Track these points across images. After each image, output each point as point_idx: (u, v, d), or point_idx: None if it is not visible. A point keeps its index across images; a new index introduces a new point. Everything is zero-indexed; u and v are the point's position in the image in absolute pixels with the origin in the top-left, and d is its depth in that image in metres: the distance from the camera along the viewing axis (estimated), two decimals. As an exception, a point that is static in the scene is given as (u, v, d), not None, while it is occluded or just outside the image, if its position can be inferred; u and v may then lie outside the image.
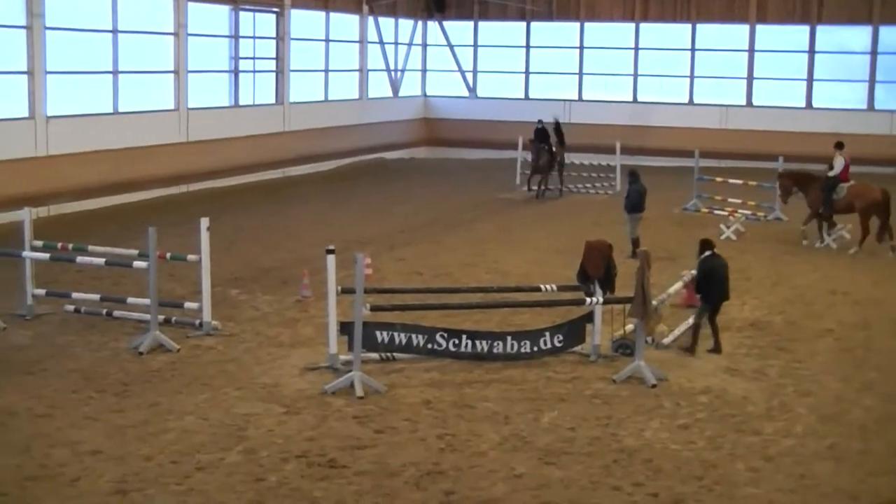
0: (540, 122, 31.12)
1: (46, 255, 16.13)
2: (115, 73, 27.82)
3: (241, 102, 33.15)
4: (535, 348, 14.37)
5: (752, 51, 39.84)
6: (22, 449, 11.02)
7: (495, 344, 14.23)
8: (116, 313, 15.96)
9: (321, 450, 11.18)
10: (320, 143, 36.11)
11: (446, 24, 43.43)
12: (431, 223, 25.99)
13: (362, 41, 39.35)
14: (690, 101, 40.64)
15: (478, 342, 14.17)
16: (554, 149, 30.38)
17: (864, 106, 38.70)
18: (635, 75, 41.24)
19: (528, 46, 42.73)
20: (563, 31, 42.06)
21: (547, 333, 14.48)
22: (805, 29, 39.13)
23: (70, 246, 16.24)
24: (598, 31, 41.70)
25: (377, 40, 40.30)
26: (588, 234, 17.03)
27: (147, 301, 14.96)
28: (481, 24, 43.34)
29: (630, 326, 14.70)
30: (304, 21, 35.80)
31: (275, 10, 34.32)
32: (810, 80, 39.28)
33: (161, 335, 14.70)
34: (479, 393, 13.17)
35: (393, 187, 32.80)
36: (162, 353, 14.48)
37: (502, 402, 12.85)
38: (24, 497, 9.94)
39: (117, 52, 27.75)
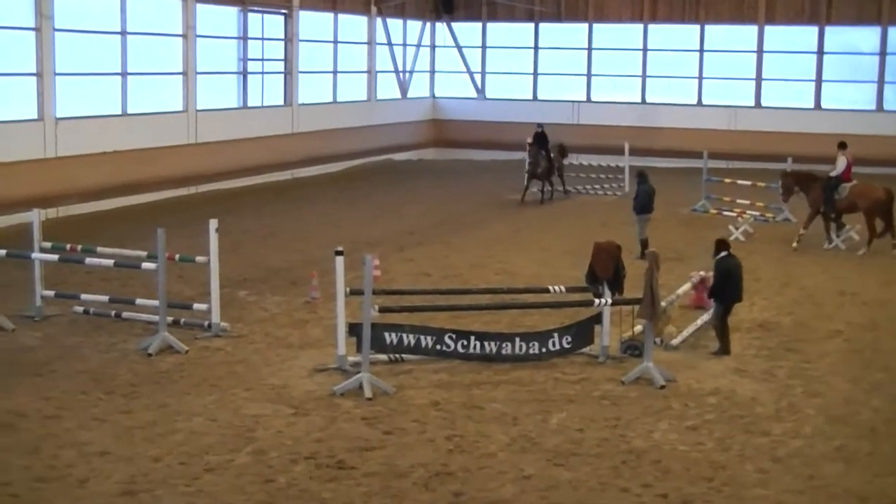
0: (539, 125, 30.97)
1: (55, 257, 16.16)
2: (124, 74, 27.87)
3: (250, 104, 33.18)
4: (544, 349, 14.37)
5: (760, 52, 39.76)
6: (31, 450, 11.05)
7: (504, 345, 14.23)
8: (125, 314, 16.01)
9: (330, 451, 11.19)
10: (329, 144, 36.13)
11: (455, 25, 43.43)
12: (440, 224, 25.99)
13: (371, 42, 39.37)
14: (699, 103, 40.58)
15: (486, 343, 14.17)
16: (552, 154, 30.18)
17: (873, 107, 38.59)
18: (644, 76, 41.18)
19: (536, 47, 42.69)
20: (571, 32, 42.03)
21: (555, 335, 14.48)
22: (814, 30, 39.04)
23: (79, 247, 16.27)
24: (606, 32, 41.66)
25: (385, 41, 40.31)
26: (597, 236, 17.02)
27: (156, 302, 14.98)
28: (490, 25, 43.32)
29: (639, 328, 14.70)
30: (312, 22, 35.82)
31: (283, 11, 34.35)
32: (819, 80, 39.19)
33: (170, 336, 14.72)
34: (487, 394, 13.17)
35: (401, 188, 32.81)
36: (170, 354, 14.51)
37: (511, 403, 12.84)
38: (33, 498, 9.96)
39: (126, 53, 27.80)
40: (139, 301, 15.74)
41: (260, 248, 22.43)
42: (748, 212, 26.44)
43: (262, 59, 33.72)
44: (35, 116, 25.29)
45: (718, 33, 40.31)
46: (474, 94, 43.70)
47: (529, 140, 30.28)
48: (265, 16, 33.72)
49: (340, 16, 37.40)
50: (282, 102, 34.61)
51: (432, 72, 44.09)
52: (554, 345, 14.43)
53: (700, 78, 40.52)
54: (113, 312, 16.11)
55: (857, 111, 38.30)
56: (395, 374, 13.80)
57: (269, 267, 20.43)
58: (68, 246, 16.37)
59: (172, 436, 11.53)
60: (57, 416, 12.07)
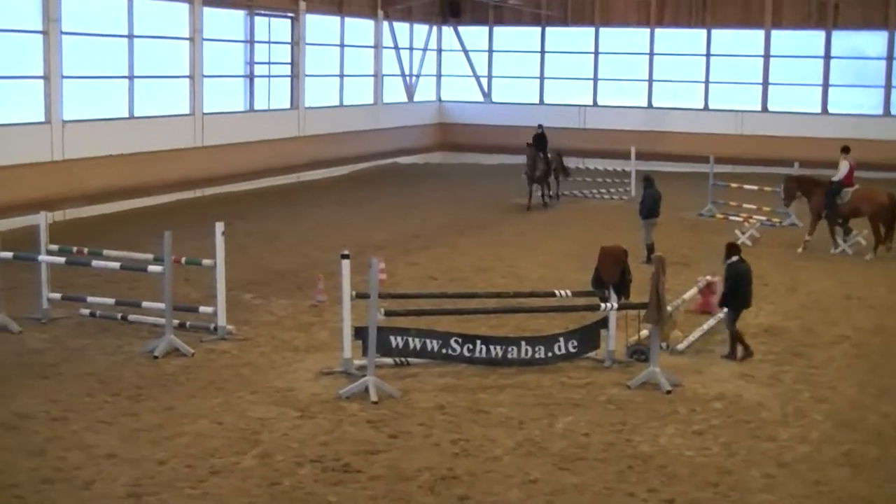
0: (540, 126, 30.90)
1: (62, 259, 16.18)
2: (131, 77, 27.91)
3: (256, 107, 33.22)
4: (550, 353, 14.35)
5: (767, 56, 39.74)
6: (37, 452, 11.06)
7: (509, 349, 14.20)
8: (131, 317, 16.03)
9: (335, 454, 11.19)
10: (335, 147, 36.15)
11: (461, 28, 43.49)
12: (446, 228, 25.99)
13: (377, 46, 39.39)
14: (705, 107, 40.57)
15: (492, 347, 14.15)
16: (550, 156, 30.07)
17: (880, 111, 38.56)
18: (650, 80, 41.19)
19: (542, 51, 42.70)
20: (577, 37, 42.05)
21: (561, 339, 14.46)
22: (820, 34, 39.01)
23: (85, 250, 16.28)
24: (612, 37, 41.67)
25: (392, 45, 40.37)
26: (603, 240, 17.04)
27: (162, 305, 15.00)
28: (496, 29, 43.34)
29: (645, 332, 14.68)
30: (319, 26, 35.86)
31: (290, 14, 34.39)
32: (826, 85, 39.16)
33: (176, 339, 14.73)
34: (493, 398, 13.16)
35: (407, 192, 32.81)
36: (177, 357, 14.51)
37: (516, 407, 12.83)
38: (39, 499, 9.97)
39: (133, 56, 27.84)
40: (145, 304, 15.76)
41: (266, 251, 22.45)
42: (755, 216, 26.42)
43: (269, 63, 33.77)
44: (42, 119, 25.34)
45: (725, 37, 40.29)
46: (481, 98, 43.74)
47: (528, 141, 30.19)
48: (272, 19, 33.77)
49: (347, 19, 37.43)
50: (288, 106, 34.64)
51: (439, 75, 44.12)
52: (560, 349, 14.41)
53: (707, 82, 40.54)
54: (119, 315, 16.13)
55: (864, 115, 38.29)
56: (401, 377, 13.79)
57: (274, 270, 20.45)
58: (75, 249, 16.40)
59: (178, 438, 11.54)
60: (63, 419, 12.08)
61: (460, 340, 14.01)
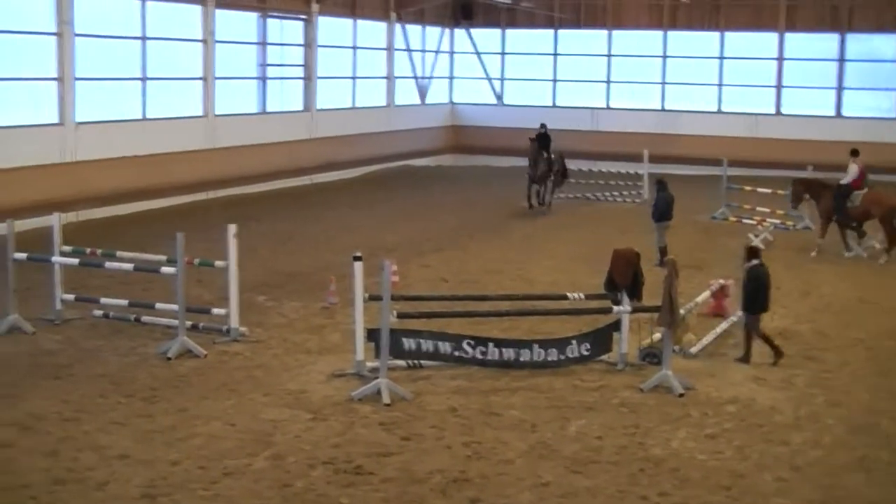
0: (543, 125, 30.72)
1: (75, 261, 16.22)
2: (144, 79, 27.99)
3: (269, 109, 33.27)
4: (562, 356, 14.33)
5: (780, 59, 39.67)
6: (50, 453, 11.09)
7: (522, 352, 14.18)
8: (144, 318, 16.05)
9: (348, 456, 11.19)
10: (347, 149, 36.18)
11: (473, 31, 43.48)
12: (458, 230, 25.98)
13: (390, 48, 39.43)
14: (719, 110, 40.52)
15: (504, 350, 14.12)
16: (552, 156, 29.82)
17: (895, 114, 38.42)
18: (663, 83, 41.16)
19: (555, 54, 42.70)
20: (590, 39, 42.03)
21: (574, 342, 14.44)
22: (835, 37, 38.93)
23: (99, 251, 16.32)
24: (625, 39, 41.65)
25: (404, 47, 40.40)
26: (615, 243, 16.99)
27: (175, 307, 15.02)
28: (509, 31, 43.34)
29: (657, 335, 14.66)
30: (331, 28, 35.90)
31: (302, 17, 34.44)
32: (840, 88, 39.07)
33: (189, 341, 14.75)
34: (505, 401, 13.15)
35: (419, 194, 32.83)
36: (189, 358, 14.54)
37: (529, 410, 12.82)
38: (51, 500, 9.99)
39: (146, 58, 27.92)
40: (158, 305, 15.78)
41: (278, 253, 22.47)
42: (768, 220, 26.34)
43: (282, 65, 33.82)
44: (55, 121, 25.44)
45: (738, 40, 40.22)
46: (493, 101, 43.74)
47: (531, 136, 29.95)
48: (285, 21, 33.82)
49: (360, 22, 37.47)
50: (300, 108, 34.68)
51: (451, 78, 44.14)
52: (573, 352, 14.39)
53: (720, 85, 40.49)
54: (132, 316, 16.16)
55: (878, 119, 38.16)
56: (414, 379, 13.79)
57: (287, 272, 20.46)
58: (88, 250, 16.43)
59: (191, 440, 11.55)
60: (76, 419, 12.11)
61: (473, 343, 13.99)
